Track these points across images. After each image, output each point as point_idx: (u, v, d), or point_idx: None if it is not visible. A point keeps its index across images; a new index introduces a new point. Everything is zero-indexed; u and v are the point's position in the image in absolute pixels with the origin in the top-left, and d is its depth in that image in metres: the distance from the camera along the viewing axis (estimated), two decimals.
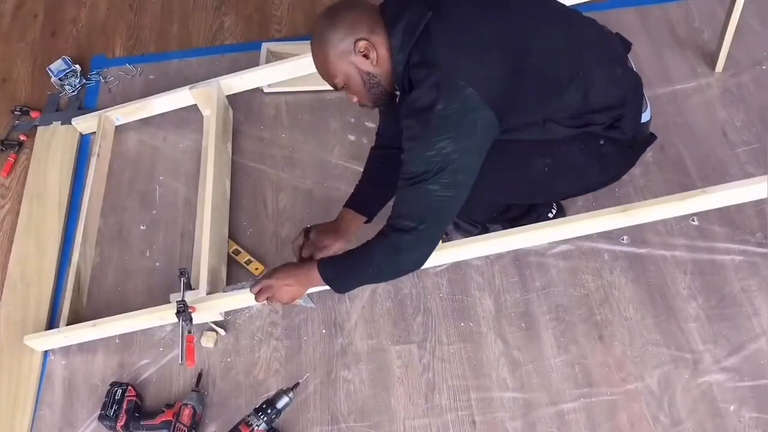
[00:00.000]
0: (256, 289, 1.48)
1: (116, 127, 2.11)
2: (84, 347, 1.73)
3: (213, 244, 1.72)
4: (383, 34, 1.28)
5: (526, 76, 1.29)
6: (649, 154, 1.87)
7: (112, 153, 2.07)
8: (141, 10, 2.47)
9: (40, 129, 2.15)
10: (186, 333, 1.54)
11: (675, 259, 1.71)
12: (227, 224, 1.86)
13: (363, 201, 1.58)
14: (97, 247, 1.90)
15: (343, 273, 1.43)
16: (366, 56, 1.29)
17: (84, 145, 2.12)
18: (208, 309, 1.64)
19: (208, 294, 1.63)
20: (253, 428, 1.48)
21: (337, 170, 1.95)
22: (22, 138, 2.14)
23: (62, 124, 2.14)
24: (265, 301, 1.49)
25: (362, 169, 1.63)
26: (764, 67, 2.02)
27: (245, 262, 1.81)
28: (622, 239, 1.74)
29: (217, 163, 1.86)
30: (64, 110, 2.19)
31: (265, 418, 1.48)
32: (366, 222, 1.58)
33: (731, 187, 1.51)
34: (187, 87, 2.01)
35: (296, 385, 1.55)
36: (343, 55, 1.29)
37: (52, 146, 2.10)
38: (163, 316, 1.63)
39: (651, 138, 1.56)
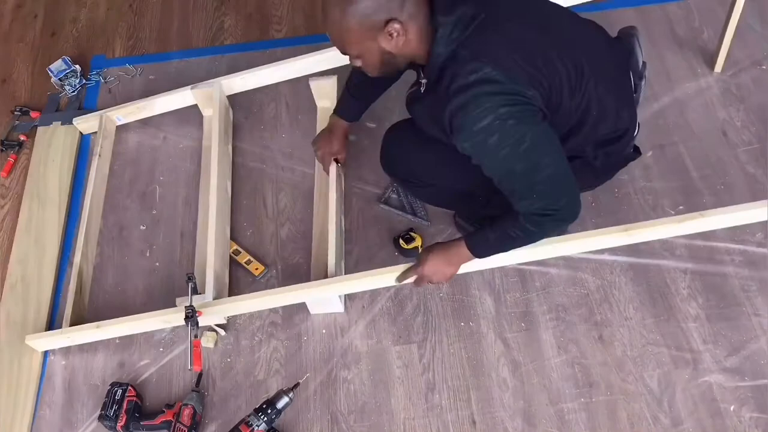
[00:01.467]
0: (415, 280, 1.55)
1: (116, 126, 2.11)
2: (84, 347, 1.73)
3: (217, 248, 1.73)
4: (421, 20, 1.22)
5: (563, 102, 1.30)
6: (648, 154, 1.87)
7: (112, 153, 2.07)
8: (141, 10, 2.47)
9: (40, 129, 2.15)
10: (193, 337, 1.54)
11: (675, 259, 1.71)
12: (229, 226, 1.87)
13: (351, 109, 1.75)
14: (97, 247, 1.90)
15: (494, 249, 1.47)
16: (391, 36, 1.21)
17: (84, 145, 2.12)
18: (214, 313, 1.65)
19: (214, 299, 1.64)
20: (253, 428, 1.48)
21: None
22: (22, 138, 2.14)
23: (62, 124, 2.14)
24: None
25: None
26: (764, 67, 2.02)
27: (245, 263, 1.81)
28: None
29: (220, 165, 1.87)
30: (64, 110, 2.19)
31: (265, 418, 1.48)
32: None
33: (729, 211, 1.53)
34: (189, 87, 2.01)
35: (296, 385, 1.55)
36: (369, 32, 1.21)
37: (52, 146, 2.10)
38: (168, 319, 1.64)
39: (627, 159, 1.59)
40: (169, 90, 2.08)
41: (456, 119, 1.22)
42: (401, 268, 1.57)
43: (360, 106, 1.75)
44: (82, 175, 2.04)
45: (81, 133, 2.13)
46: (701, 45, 2.08)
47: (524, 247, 1.46)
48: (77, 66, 2.25)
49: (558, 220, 1.33)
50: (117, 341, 1.73)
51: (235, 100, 2.09)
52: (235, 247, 1.84)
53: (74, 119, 2.10)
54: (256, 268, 1.79)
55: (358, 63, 1.31)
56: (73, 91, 2.23)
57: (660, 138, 1.91)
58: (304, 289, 1.62)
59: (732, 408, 1.51)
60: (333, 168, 1.80)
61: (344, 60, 1.98)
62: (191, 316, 1.55)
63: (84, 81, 2.25)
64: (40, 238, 1.92)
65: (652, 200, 1.80)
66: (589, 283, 1.70)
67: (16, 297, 1.83)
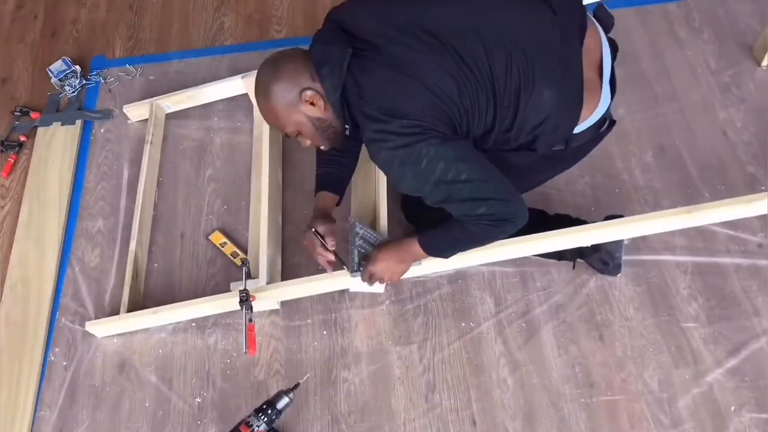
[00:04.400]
0: (367, 277, 1.54)
1: (111, 123, 2.11)
2: (84, 348, 1.73)
3: (270, 234, 1.74)
4: (319, 80, 1.30)
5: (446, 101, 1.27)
6: (649, 154, 1.87)
7: (114, 154, 2.07)
8: (141, 11, 2.47)
9: (40, 130, 2.15)
10: (247, 321, 1.55)
11: (675, 259, 1.71)
12: (281, 213, 1.88)
13: (335, 184, 1.65)
14: (96, 249, 1.90)
15: (445, 248, 1.48)
16: (313, 104, 1.31)
17: (84, 145, 2.12)
18: (267, 298, 1.66)
19: (267, 283, 1.66)
20: (253, 429, 1.47)
21: None
22: (23, 139, 2.14)
23: (62, 124, 2.14)
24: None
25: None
26: (765, 67, 2.02)
27: (231, 254, 1.82)
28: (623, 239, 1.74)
29: (271, 151, 1.88)
30: (64, 111, 2.19)
31: (266, 419, 1.48)
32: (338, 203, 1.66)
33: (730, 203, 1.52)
34: (239, 76, 2.01)
35: (296, 385, 1.54)
36: (291, 107, 1.31)
37: (52, 147, 2.10)
38: (222, 304, 1.66)
39: (591, 144, 1.48)
40: (170, 92, 2.09)
41: (379, 165, 1.35)
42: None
43: (339, 174, 1.65)
44: (82, 175, 2.05)
45: (81, 131, 2.13)
46: (701, 45, 2.08)
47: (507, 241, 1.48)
48: (77, 66, 2.25)
49: (493, 222, 1.33)
50: (115, 341, 1.73)
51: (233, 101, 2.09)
52: (223, 239, 1.85)
53: (124, 107, 2.11)
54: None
55: (304, 141, 1.40)
56: (73, 92, 2.23)
57: (660, 138, 1.91)
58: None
59: (732, 408, 1.51)
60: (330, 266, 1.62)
61: None
62: (245, 300, 1.56)
63: (84, 81, 2.25)
64: (40, 238, 1.92)
65: (652, 200, 1.80)
66: (589, 283, 1.70)
67: (16, 297, 1.83)
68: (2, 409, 1.66)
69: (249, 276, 1.66)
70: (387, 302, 1.72)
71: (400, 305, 1.72)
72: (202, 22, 2.40)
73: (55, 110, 2.20)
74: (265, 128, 1.91)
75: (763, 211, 1.50)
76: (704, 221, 1.55)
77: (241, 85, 2.02)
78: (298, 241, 1.83)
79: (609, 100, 1.41)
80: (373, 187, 1.72)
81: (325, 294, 1.72)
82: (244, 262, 1.65)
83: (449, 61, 1.26)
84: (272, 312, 1.74)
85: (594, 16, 1.43)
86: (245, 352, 1.52)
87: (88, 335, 1.74)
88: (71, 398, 1.67)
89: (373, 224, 1.66)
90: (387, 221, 1.65)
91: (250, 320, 1.56)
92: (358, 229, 1.57)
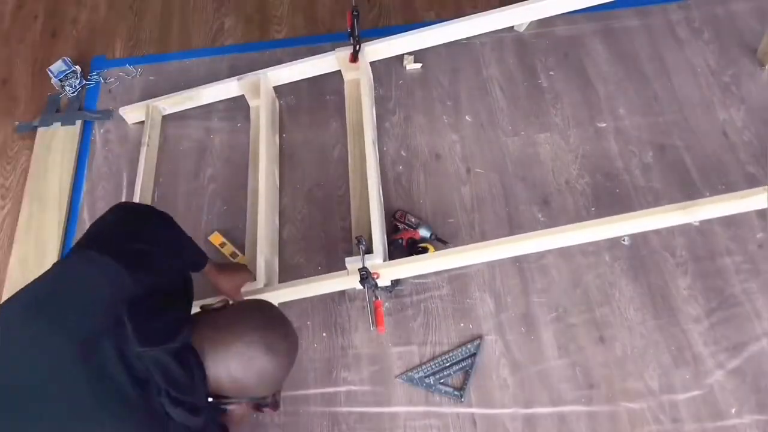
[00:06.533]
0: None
1: (111, 124, 2.11)
2: None
3: (267, 235, 1.74)
4: None
5: None
6: (649, 154, 1.87)
7: (114, 154, 2.07)
8: (141, 11, 2.47)
9: (40, 130, 2.15)
10: (373, 299, 1.53)
11: (676, 259, 1.71)
12: (278, 214, 1.88)
13: None
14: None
15: None
16: None
17: (84, 145, 2.12)
18: (273, 298, 1.65)
19: (264, 285, 1.66)
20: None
21: (338, 170, 1.95)
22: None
23: (62, 125, 2.14)
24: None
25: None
26: (765, 67, 2.02)
27: (230, 255, 1.82)
28: (623, 240, 1.74)
29: (268, 152, 1.88)
30: (64, 111, 2.19)
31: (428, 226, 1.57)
32: None
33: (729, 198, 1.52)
34: (235, 78, 2.02)
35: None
36: None
37: (53, 147, 2.10)
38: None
39: None
40: (170, 92, 2.09)
41: None
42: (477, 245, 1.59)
43: None
44: (82, 175, 2.05)
45: (81, 132, 2.12)
46: (701, 45, 2.08)
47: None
48: (77, 67, 2.25)
49: None
50: None
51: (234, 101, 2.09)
52: (222, 240, 1.85)
53: (120, 109, 2.10)
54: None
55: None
56: (74, 92, 2.23)
57: (660, 138, 1.91)
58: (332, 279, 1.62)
59: (733, 410, 1.51)
60: None
61: (390, 52, 2.02)
62: (366, 277, 1.54)
63: (84, 82, 2.25)
64: (40, 238, 1.92)
65: (652, 200, 1.80)
66: (589, 284, 1.70)
67: None
68: None
69: (367, 252, 1.58)
70: (387, 303, 1.72)
71: (400, 306, 1.72)
72: (202, 22, 2.40)
73: (55, 110, 2.20)
74: (262, 129, 1.90)
75: (756, 207, 1.50)
76: (697, 217, 1.56)
77: (237, 87, 2.02)
78: (297, 241, 1.84)
79: None
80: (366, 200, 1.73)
81: (325, 295, 1.72)
82: (359, 240, 1.58)
83: None
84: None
85: None
86: (372, 330, 1.52)
87: None
88: None
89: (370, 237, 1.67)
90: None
91: (376, 297, 1.54)
92: None
